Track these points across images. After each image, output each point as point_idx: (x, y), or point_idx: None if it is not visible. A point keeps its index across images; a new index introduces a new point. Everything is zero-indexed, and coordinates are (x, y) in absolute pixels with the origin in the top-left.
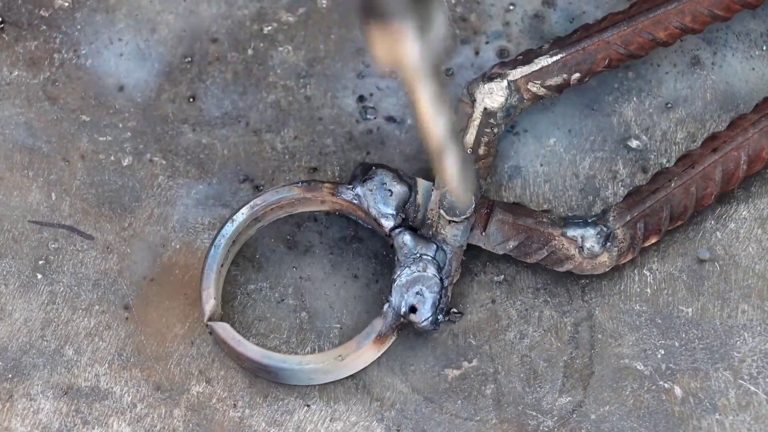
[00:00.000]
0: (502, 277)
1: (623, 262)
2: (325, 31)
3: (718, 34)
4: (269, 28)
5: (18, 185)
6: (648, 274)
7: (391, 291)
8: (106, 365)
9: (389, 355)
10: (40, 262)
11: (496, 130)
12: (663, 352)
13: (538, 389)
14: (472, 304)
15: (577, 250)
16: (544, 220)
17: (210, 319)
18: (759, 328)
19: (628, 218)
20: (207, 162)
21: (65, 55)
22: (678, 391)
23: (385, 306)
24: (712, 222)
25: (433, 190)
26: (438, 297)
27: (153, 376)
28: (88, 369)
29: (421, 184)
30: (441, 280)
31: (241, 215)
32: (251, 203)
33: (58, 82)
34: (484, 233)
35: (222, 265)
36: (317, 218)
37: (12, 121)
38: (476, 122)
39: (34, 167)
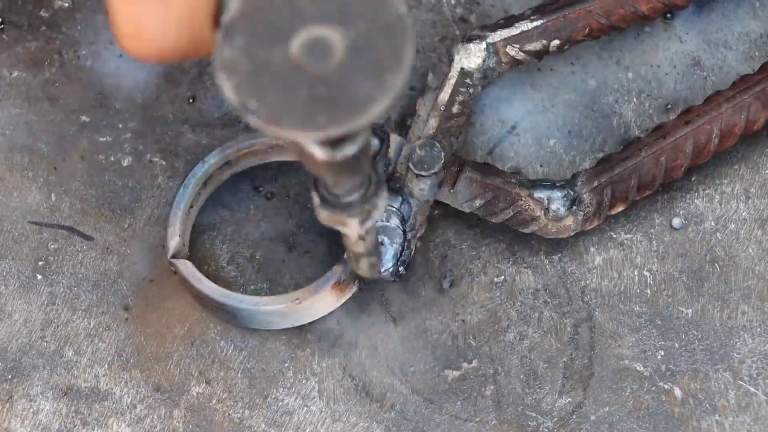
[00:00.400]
0: (502, 278)
1: (589, 228)
2: None
3: (718, 35)
4: None
5: (18, 186)
6: (648, 275)
7: None
8: (106, 366)
9: (389, 356)
10: (40, 263)
11: (471, 91)
12: (663, 353)
13: (538, 390)
14: (472, 305)
15: (542, 211)
16: (513, 180)
17: (173, 257)
18: (759, 330)
19: (596, 184)
20: None
21: (65, 56)
22: (678, 392)
23: (346, 254)
24: (712, 223)
25: (404, 144)
26: (400, 248)
27: (153, 376)
28: (88, 370)
29: (394, 138)
30: (404, 231)
31: (213, 157)
32: (223, 146)
33: (58, 83)
34: (452, 190)
35: (191, 207)
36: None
37: (12, 121)
38: (452, 81)
39: (33, 168)
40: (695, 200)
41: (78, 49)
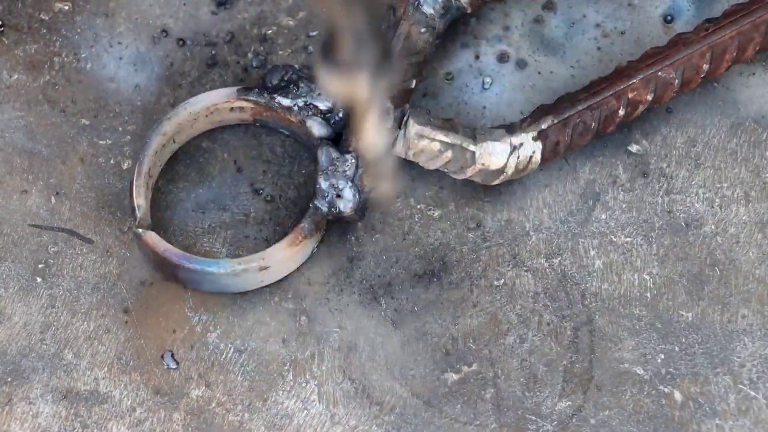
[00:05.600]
0: (502, 281)
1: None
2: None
3: None
4: (269, 31)
5: (18, 188)
6: (648, 279)
7: (315, 194)
8: (106, 369)
9: (389, 359)
10: (40, 266)
11: (433, 25)
12: (663, 357)
13: (538, 394)
14: (472, 308)
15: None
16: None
17: (139, 227)
18: (759, 333)
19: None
20: (206, 166)
21: (65, 59)
22: (678, 395)
23: (310, 207)
24: (712, 226)
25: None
26: (358, 196)
27: (152, 379)
28: (88, 373)
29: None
30: (355, 182)
31: (162, 126)
32: (167, 115)
33: (57, 86)
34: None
35: (150, 177)
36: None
37: (12, 124)
38: (409, 18)
39: (33, 171)
40: (695, 204)
41: (78, 52)
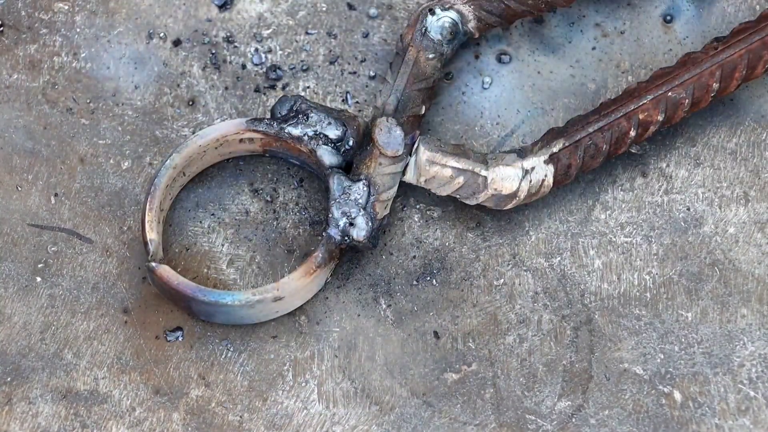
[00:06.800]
0: (502, 281)
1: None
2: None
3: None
4: (269, 31)
5: (17, 188)
6: (647, 279)
7: (327, 223)
8: (105, 369)
9: (388, 359)
10: (40, 266)
11: (442, 51)
12: (662, 357)
13: (538, 393)
14: (471, 308)
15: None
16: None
17: (152, 260)
18: (758, 333)
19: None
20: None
21: (65, 59)
22: (677, 395)
23: (323, 236)
24: (712, 226)
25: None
26: (371, 224)
27: (152, 379)
28: (87, 372)
29: (355, 123)
30: (367, 210)
31: (172, 161)
32: (177, 149)
33: (57, 86)
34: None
35: (161, 210)
36: (317, 222)
37: (11, 124)
38: (418, 45)
39: (33, 170)
40: (695, 203)
41: (77, 52)
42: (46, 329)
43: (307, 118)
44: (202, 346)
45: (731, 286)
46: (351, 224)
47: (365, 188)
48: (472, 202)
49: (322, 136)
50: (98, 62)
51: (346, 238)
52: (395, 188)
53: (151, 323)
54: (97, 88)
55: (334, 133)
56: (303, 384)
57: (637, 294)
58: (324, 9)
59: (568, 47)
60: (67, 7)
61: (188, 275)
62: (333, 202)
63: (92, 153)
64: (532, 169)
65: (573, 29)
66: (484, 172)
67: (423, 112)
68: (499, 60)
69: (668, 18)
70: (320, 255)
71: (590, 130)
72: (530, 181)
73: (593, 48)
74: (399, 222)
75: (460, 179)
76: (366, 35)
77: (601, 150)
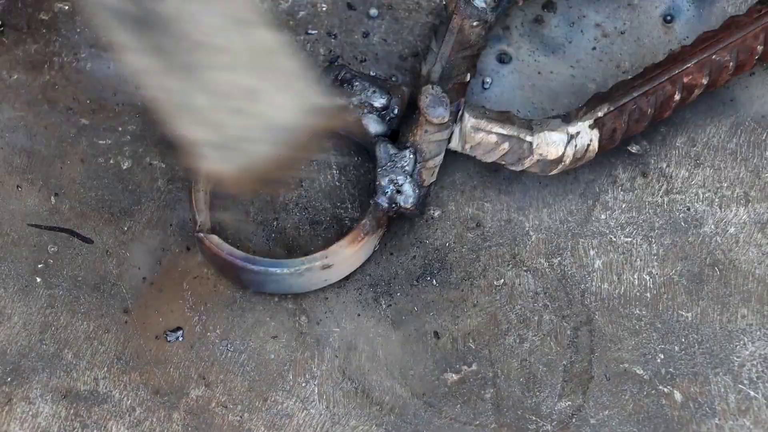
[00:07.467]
0: (502, 281)
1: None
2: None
3: None
4: None
5: (17, 188)
6: (648, 279)
7: (375, 190)
8: (105, 369)
9: (389, 359)
10: (40, 266)
11: (485, 18)
12: (663, 357)
13: (538, 393)
14: (471, 308)
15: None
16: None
17: (199, 231)
18: (759, 333)
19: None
20: None
21: (65, 59)
22: (678, 395)
23: (371, 204)
24: (712, 226)
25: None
26: (418, 191)
27: (152, 379)
28: (87, 373)
29: (400, 91)
30: (414, 177)
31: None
32: None
33: (57, 86)
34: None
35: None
36: (317, 222)
37: (11, 124)
38: (465, 13)
39: (33, 170)
40: (695, 204)
41: (78, 52)
42: (46, 329)
43: (352, 87)
44: (202, 346)
45: (731, 286)
46: (398, 191)
47: (412, 156)
48: (518, 168)
49: (367, 104)
50: (98, 62)
51: (394, 205)
52: (442, 155)
53: (151, 323)
54: (98, 87)
55: (379, 101)
56: (303, 384)
57: (638, 294)
58: (324, 9)
59: (568, 47)
60: (67, 8)
61: (188, 275)
62: (380, 169)
63: (92, 153)
64: (578, 134)
65: (573, 29)
66: (529, 138)
67: (468, 79)
68: (500, 60)
69: (668, 18)
70: (368, 223)
71: (635, 94)
72: (575, 146)
73: (593, 48)
74: (399, 222)
75: (506, 145)
76: (366, 35)
77: (645, 114)
